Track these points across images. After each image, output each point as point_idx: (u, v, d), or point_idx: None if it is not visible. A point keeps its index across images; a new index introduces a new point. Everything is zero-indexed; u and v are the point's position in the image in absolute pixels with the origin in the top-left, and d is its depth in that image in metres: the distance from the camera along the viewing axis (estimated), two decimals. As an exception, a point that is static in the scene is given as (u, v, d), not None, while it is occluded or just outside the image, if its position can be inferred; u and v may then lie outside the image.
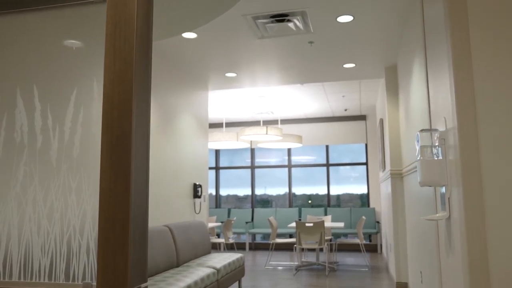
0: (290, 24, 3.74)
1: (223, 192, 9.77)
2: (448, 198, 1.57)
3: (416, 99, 3.40)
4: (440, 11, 1.63)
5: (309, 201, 9.28)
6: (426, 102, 1.99)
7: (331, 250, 8.25)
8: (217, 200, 9.79)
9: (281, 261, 7.30)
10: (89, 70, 1.79)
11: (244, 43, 4.30)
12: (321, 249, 7.91)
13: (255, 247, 9.20)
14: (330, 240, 7.52)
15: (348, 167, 9.17)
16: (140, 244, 1.64)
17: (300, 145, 7.43)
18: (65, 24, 1.74)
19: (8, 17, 1.78)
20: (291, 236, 8.99)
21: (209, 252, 5.20)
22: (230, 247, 9.06)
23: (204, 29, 3.94)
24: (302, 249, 8.02)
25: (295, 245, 6.30)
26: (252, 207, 9.49)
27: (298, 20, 3.66)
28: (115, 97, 1.71)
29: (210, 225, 7.05)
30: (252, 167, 9.60)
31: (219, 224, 7.41)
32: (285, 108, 8.11)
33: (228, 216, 9.41)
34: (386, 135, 5.55)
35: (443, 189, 1.62)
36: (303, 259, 7.37)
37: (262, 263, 7.19)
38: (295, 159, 9.46)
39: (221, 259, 4.59)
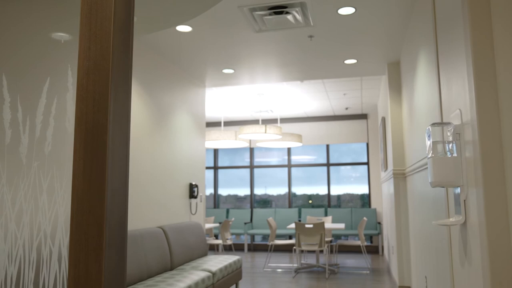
0: (289, 17, 3.57)
1: (224, 192, 9.60)
2: (464, 200, 1.40)
3: (423, 94, 3.23)
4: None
5: (310, 201, 9.11)
6: (436, 95, 1.82)
7: (331, 251, 8.07)
8: (216, 200, 9.62)
9: (280, 263, 7.13)
10: (64, 57, 1.62)
11: (241, 37, 4.12)
12: (321, 251, 7.73)
13: (254, 248, 9.02)
14: (331, 241, 7.35)
15: (349, 167, 9.00)
16: (118, 250, 1.47)
17: (300, 144, 7.25)
18: (36, 8, 1.57)
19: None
20: (290, 237, 8.81)
21: (205, 254, 5.03)
22: (228, 249, 8.89)
23: (199, 22, 3.77)
24: (302, 251, 7.85)
25: (294, 247, 6.13)
26: (251, 207, 9.32)
27: (297, 12, 3.49)
28: (90, 86, 1.53)
29: (208, 226, 6.88)
30: (251, 167, 9.43)
31: (217, 224, 7.24)
32: (284, 106, 7.94)
33: (227, 216, 9.23)
34: (388, 134, 5.37)
35: (458, 190, 1.45)
36: (302, 261, 7.20)
37: (260, 265, 7.02)
38: (295, 158, 9.28)
39: (217, 262, 4.42)
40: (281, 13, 3.51)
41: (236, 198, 9.52)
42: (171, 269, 4.17)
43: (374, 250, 8.41)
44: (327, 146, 9.07)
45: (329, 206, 8.93)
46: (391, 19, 3.75)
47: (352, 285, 5.36)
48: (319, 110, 8.33)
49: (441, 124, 1.41)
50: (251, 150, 9.45)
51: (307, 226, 5.90)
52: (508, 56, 1.21)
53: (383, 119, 6.07)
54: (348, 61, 4.92)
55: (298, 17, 3.59)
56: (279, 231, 8.35)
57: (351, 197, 8.92)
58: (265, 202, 9.37)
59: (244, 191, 9.45)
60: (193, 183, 5.25)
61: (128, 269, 3.40)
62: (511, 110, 1.17)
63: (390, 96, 4.95)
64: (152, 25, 3.38)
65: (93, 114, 1.50)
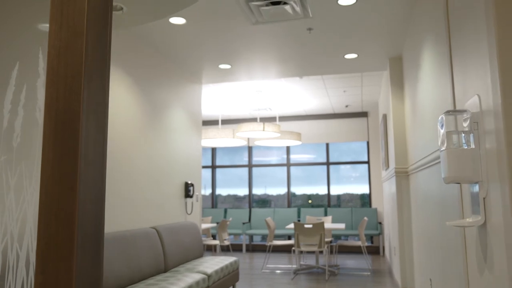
0: (287, 7, 3.41)
1: (223, 192, 9.44)
2: (484, 198, 1.24)
3: (428, 88, 3.08)
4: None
5: (309, 201, 8.95)
6: (448, 83, 1.66)
7: (331, 252, 7.92)
8: (213, 200, 9.46)
9: (279, 264, 6.97)
10: (34, 39, 1.46)
11: (237, 29, 3.97)
12: (321, 252, 7.57)
13: (253, 248, 8.86)
14: (330, 242, 7.20)
15: (348, 166, 8.84)
16: (92, 256, 1.31)
17: (299, 142, 7.10)
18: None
19: None
20: (289, 237, 8.65)
21: (201, 256, 4.87)
22: (226, 249, 8.73)
23: (193, 14, 3.61)
24: (301, 252, 7.69)
25: (293, 248, 5.97)
26: (250, 207, 9.16)
27: (295, 2, 3.33)
28: (61, 69, 1.36)
29: (205, 226, 6.72)
30: (250, 166, 9.27)
31: (214, 225, 7.08)
32: (283, 104, 7.78)
33: (225, 216, 9.08)
34: (390, 131, 5.22)
35: (476, 187, 1.30)
36: (302, 262, 7.04)
37: (259, 266, 6.86)
38: (294, 157, 9.13)
39: (213, 264, 4.26)
40: (278, 3, 3.36)
41: (236, 198, 9.36)
42: (165, 271, 4.01)
43: (374, 250, 8.25)
44: (327, 144, 8.91)
45: (329, 205, 8.77)
46: (393, 11, 3.59)
47: (353, 287, 5.21)
48: (318, 108, 8.17)
49: (457, 112, 1.25)
50: (250, 149, 9.29)
51: (306, 226, 5.74)
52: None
53: (384, 116, 5.91)
54: (348, 56, 4.76)
55: (297, 7, 3.43)
56: (278, 231, 8.19)
57: (351, 197, 8.77)
58: (264, 202, 9.21)
59: (244, 191, 9.29)
60: (189, 182, 5.09)
61: (118, 272, 3.24)
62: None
63: (392, 92, 4.79)
64: (143, 16, 3.22)
65: (65, 100, 1.34)
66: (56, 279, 1.24)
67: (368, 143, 8.60)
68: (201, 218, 5.57)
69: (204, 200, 9.55)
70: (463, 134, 1.23)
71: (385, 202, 7.30)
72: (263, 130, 6.15)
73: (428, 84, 3.01)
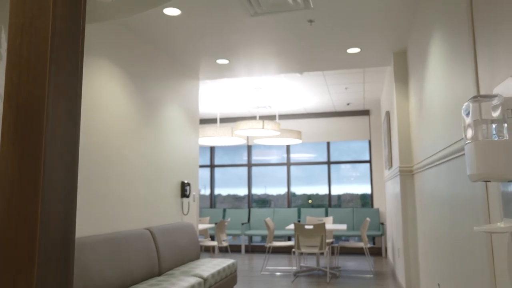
0: (287, -3, 3.23)
1: (224, 191, 9.25)
2: (520, 199, 1.07)
3: (438, 80, 2.90)
4: None
5: (309, 201, 8.77)
6: (470, 67, 1.48)
7: (332, 253, 7.74)
8: (212, 200, 9.28)
9: (279, 266, 6.79)
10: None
11: (235, 22, 3.78)
12: (322, 253, 7.39)
13: (252, 249, 8.68)
14: (332, 243, 7.02)
15: (349, 166, 8.66)
16: (59, 266, 1.12)
17: (299, 141, 6.92)
18: None
19: None
20: (289, 238, 8.47)
21: (197, 258, 4.69)
22: (224, 250, 8.55)
23: (188, 4, 3.43)
24: (301, 253, 7.51)
25: (293, 249, 5.79)
26: (249, 207, 8.98)
27: (296, -9, 3.15)
28: (24, 50, 1.17)
29: (203, 226, 6.54)
30: (249, 165, 9.09)
31: (212, 225, 6.90)
32: (283, 102, 7.60)
33: (223, 217, 8.90)
34: (394, 129, 5.04)
35: (511, 186, 1.12)
36: (302, 264, 6.86)
37: (258, 267, 6.68)
38: (295, 157, 8.95)
39: (210, 266, 4.08)
40: (278, -8, 3.17)
41: (235, 198, 9.18)
42: (159, 274, 3.83)
43: (377, 252, 8.07)
44: (328, 143, 8.73)
45: (329, 206, 8.59)
46: (397, 2, 3.41)
47: (355, 290, 5.03)
48: (319, 106, 7.99)
49: (485, 97, 1.07)
50: (249, 148, 9.11)
51: (306, 227, 5.56)
52: None
53: (387, 114, 5.73)
54: (351, 50, 4.58)
55: (297, -3, 3.25)
56: (277, 232, 8.01)
57: (351, 197, 8.59)
58: (264, 201, 9.03)
59: (244, 191, 9.11)
60: (185, 181, 4.92)
61: (108, 276, 3.06)
62: None
63: (396, 88, 4.62)
64: (134, 5, 3.02)
65: (27, 85, 1.14)
66: (15, 292, 1.04)
67: (370, 142, 8.42)
68: (198, 219, 5.39)
69: (203, 200, 9.37)
70: (494, 124, 1.06)
71: (387, 202, 7.12)
72: (263, 128, 5.97)
73: (438, 77, 2.83)
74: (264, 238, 8.80)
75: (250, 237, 8.65)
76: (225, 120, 9.07)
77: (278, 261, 7.30)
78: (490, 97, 1.08)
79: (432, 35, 3.00)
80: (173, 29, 3.93)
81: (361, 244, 6.09)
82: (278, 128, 6.08)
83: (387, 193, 7.14)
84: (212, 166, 9.33)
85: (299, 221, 8.42)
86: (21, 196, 1.13)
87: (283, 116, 8.82)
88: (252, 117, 8.92)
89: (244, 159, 9.15)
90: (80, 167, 3.15)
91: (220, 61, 4.89)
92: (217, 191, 9.31)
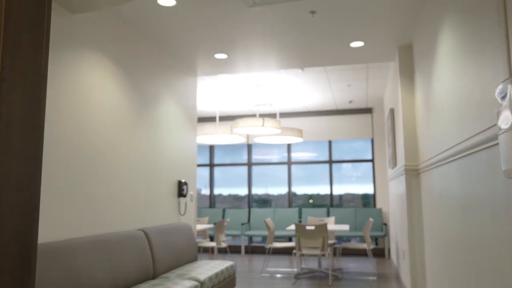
0: (288, -15, 3.05)
1: (225, 191, 9.07)
2: None
3: (449, 73, 2.74)
4: None
5: (310, 201, 8.59)
6: (503, 50, 1.31)
7: (334, 254, 7.56)
8: (211, 200, 9.11)
9: (279, 267, 6.62)
10: None
11: (233, 13, 3.61)
12: (323, 254, 7.22)
13: (252, 250, 8.51)
14: (334, 244, 6.85)
15: (350, 165, 8.48)
16: (17, 278, 0.96)
17: (300, 139, 6.74)
18: None
19: None
20: (290, 239, 8.30)
21: (195, 260, 4.52)
22: (224, 251, 8.38)
23: (184, -7, 3.26)
24: (302, 254, 7.33)
25: (294, 251, 5.62)
26: (249, 207, 8.81)
27: (297, -22, 2.97)
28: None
29: (201, 227, 6.37)
30: (249, 164, 8.91)
31: (211, 226, 6.73)
32: (284, 99, 7.42)
33: (223, 217, 8.72)
34: (398, 126, 4.87)
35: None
36: (303, 265, 6.68)
37: (258, 269, 6.51)
38: (295, 156, 8.77)
39: (207, 269, 3.91)
40: (278, -20, 3.00)
41: (236, 197, 9.00)
42: (154, 277, 3.66)
43: (379, 253, 7.89)
44: (330, 142, 8.55)
45: (331, 206, 8.42)
46: (406, -10, 3.24)
47: (358, 293, 4.86)
48: (321, 103, 7.81)
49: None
50: (249, 146, 8.94)
51: (308, 228, 5.39)
52: None
53: (392, 111, 5.56)
54: (354, 44, 4.40)
55: (299, -15, 3.07)
56: (278, 233, 7.84)
57: (352, 197, 8.41)
58: (264, 201, 8.86)
59: (245, 191, 8.94)
60: (183, 180, 4.74)
61: (99, 279, 2.89)
62: None
63: (401, 84, 4.44)
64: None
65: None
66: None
67: (372, 140, 8.24)
68: (195, 219, 5.22)
69: (203, 200, 9.20)
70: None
71: (391, 202, 6.94)
72: (263, 126, 5.80)
73: (449, 68, 2.66)
74: (264, 238, 8.62)
75: (250, 238, 8.48)
76: (224, 118, 8.90)
77: (279, 262, 7.13)
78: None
79: (442, 25, 2.83)
80: (168, 21, 3.76)
81: (364, 245, 5.91)
82: (278, 126, 5.91)
83: (390, 192, 6.97)
84: (211, 165, 9.16)
85: (300, 222, 8.24)
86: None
87: (284, 114, 8.65)
88: (252, 115, 8.75)
89: (244, 158, 8.98)
90: (71, 163, 2.98)
91: (218, 56, 4.72)
92: (218, 191, 9.14)
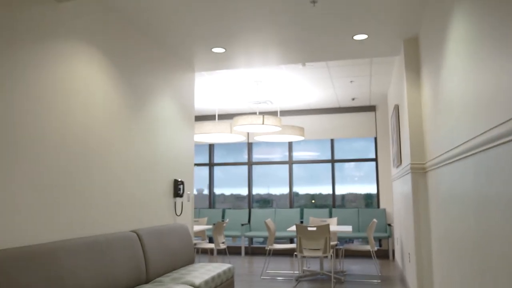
0: (288, -29, 2.86)
1: (226, 191, 8.89)
2: None
3: (460, 67, 2.55)
4: None
5: (312, 201, 8.40)
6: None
7: (336, 256, 7.36)
8: (211, 200, 8.92)
9: (280, 270, 6.43)
10: None
11: (230, 2, 3.42)
12: (326, 256, 7.03)
13: (252, 251, 8.32)
14: (336, 245, 6.65)
15: (352, 165, 8.29)
16: None
17: (302, 138, 6.55)
18: None
19: None
20: (291, 240, 8.10)
21: (191, 262, 4.34)
22: (223, 253, 8.19)
23: (177, -19, 3.07)
24: (304, 256, 7.14)
25: (295, 253, 5.42)
26: (249, 207, 8.62)
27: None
28: None
29: (199, 228, 6.19)
30: (249, 164, 8.72)
31: (209, 226, 6.54)
32: (285, 97, 7.23)
33: (222, 217, 8.54)
34: (404, 123, 4.67)
35: None
36: (305, 268, 6.49)
37: (258, 271, 6.32)
38: (297, 155, 8.58)
39: (204, 272, 3.72)
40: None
41: (237, 197, 8.82)
42: (146, 281, 3.48)
43: (383, 254, 7.69)
44: (332, 141, 8.36)
45: (333, 206, 8.22)
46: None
47: (361, 297, 4.67)
48: (323, 101, 7.62)
49: None
50: (249, 145, 8.75)
51: (309, 229, 5.20)
52: None
53: (396, 107, 5.36)
54: (357, 37, 4.21)
55: (299, -29, 2.88)
56: (279, 234, 7.65)
57: (354, 197, 8.22)
58: (265, 201, 8.67)
59: (246, 191, 8.75)
60: (179, 179, 4.56)
61: (87, 285, 2.71)
62: None
63: (407, 79, 4.25)
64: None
65: None
66: None
67: (376, 139, 8.04)
68: (193, 220, 5.04)
69: (203, 200, 9.01)
70: None
71: (395, 202, 6.75)
72: (263, 123, 5.62)
73: (460, 60, 2.47)
74: (265, 239, 8.43)
75: (251, 239, 8.29)
76: (223, 116, 8.72)
77: (280, 264, 6.94)
78: None
79: (452, 15, 2.64)
80: (163, 13, 3.57)
81: (367, 247, 5.72)
82: (279, 123, 5.72)
83: (394, 192, 6.77)
84: (211, 165, 8.98)
85: (301, 222, 8.05)
86: None
87: (285, 112, 8.46)
88: (252, 113, 8.57)
89: (244, 158, 8.79)
90: (60, 161, 2.80)
91: (216, 50, 4.53)
92: (219, 191, 8.96)
